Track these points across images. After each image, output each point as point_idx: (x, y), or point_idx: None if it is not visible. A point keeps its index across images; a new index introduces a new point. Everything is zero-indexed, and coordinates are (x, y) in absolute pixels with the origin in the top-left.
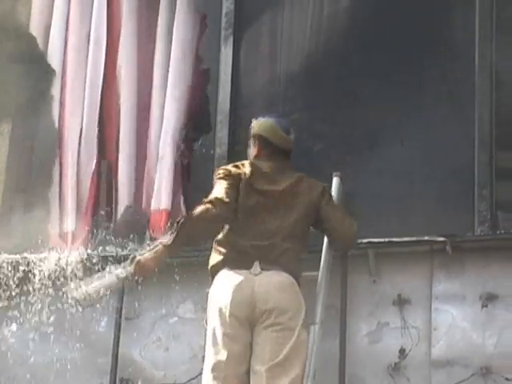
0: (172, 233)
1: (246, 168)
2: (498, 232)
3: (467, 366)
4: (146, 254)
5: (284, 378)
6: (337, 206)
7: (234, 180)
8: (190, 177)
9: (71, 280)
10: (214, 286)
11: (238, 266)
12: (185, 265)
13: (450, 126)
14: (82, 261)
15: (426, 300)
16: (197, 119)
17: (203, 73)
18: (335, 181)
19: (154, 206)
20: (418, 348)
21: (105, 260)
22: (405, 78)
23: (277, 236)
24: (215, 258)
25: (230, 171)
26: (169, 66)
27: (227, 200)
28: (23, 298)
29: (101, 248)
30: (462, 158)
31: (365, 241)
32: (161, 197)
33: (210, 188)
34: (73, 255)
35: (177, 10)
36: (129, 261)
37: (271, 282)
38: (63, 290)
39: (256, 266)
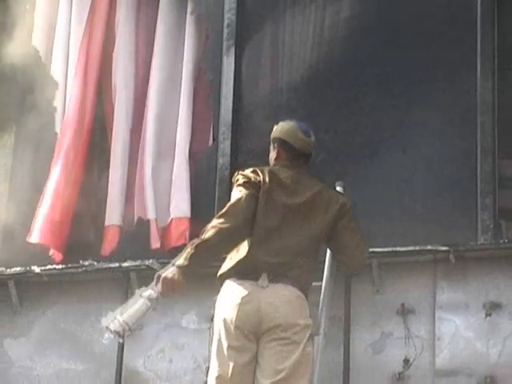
0: (187, 252)
1: (265, 175)
2: (501, 241)
3: (471, 376)
4: (167, 271)
5: None
6: (354, 231)
7: (252, 188)
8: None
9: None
10: (221, 295)
11: (246, 277)
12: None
13: (453, 135)
14: None
15: (429, 309)
16: (199, 130)
17: (206, 83)
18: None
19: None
20: (421, 357)
21: None
22: (406, 88)
23: (290, 251)
24: (226, 265)
25: (249, 178)
26: (170, 78)
27: (244, 215)
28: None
29: None
30: (464, 166)
31: (368, 251)
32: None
33: (213, 198)
34: None
35: (179, 20)
36: (154, 280)
37: (278, 297)
38: (101, 325)
39: (264, 279)
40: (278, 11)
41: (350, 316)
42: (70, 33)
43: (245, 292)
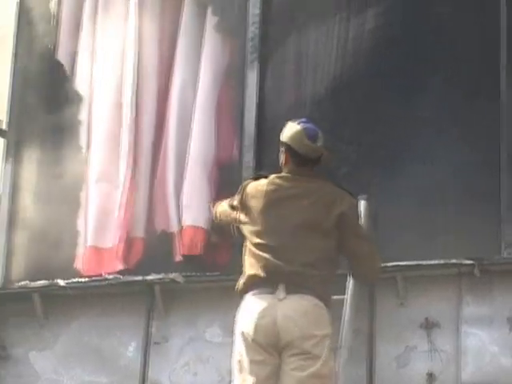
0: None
1: (269, 187)
2: None
3: None
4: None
5: None
6: (359, 236)
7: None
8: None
9: None
10: (240, 310)
11: (264, 290)
12: (211, 289)
13: (477, 147)
14: None
15: (454, 323)
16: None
17: (229, 96)
18: (362, 205)
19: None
20: (446, 372)
21: None
22: (430, 99)
23: (303, 261)
24: (243, 279)
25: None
26: (192, 90)
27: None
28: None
29: None
30: (488, 179)
31: (392, 264)
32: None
33: None
34: None
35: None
36: None
37: (295, 308)
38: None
39: (281, 291)
40: (301, 23)
41: (374, 329)
42: (93, 46)
43: (261, 307)
